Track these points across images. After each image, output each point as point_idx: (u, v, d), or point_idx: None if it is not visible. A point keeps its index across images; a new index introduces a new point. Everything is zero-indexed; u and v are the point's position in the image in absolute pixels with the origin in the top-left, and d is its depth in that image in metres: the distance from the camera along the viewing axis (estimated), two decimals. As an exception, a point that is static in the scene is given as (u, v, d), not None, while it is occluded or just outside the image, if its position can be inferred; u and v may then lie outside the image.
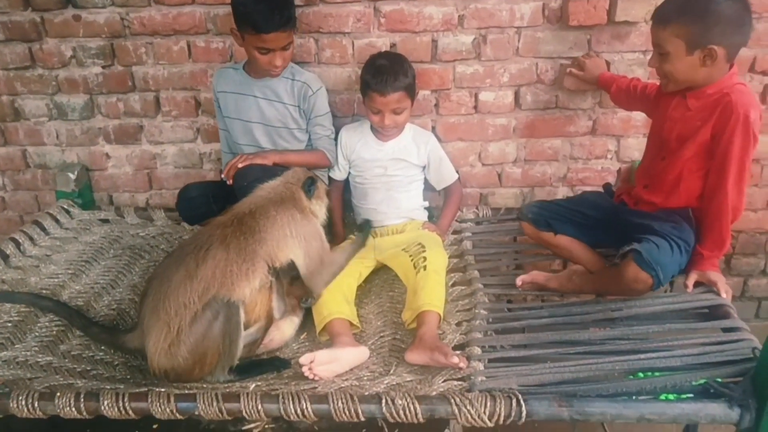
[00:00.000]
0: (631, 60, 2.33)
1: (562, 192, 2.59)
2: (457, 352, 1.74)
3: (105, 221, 2.54)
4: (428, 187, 2.45)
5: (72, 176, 2.55)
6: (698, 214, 1.85)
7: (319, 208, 2.00)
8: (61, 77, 2.49)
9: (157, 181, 2.66)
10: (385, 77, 2.12)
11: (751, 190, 2.54)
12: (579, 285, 2.00)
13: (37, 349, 1.79)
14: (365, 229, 2.24)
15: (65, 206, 2.52)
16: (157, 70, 2.46)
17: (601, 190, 2.24)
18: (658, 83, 1.98)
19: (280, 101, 2.23)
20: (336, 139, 2.36)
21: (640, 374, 1.53)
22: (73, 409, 1.48)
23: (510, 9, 2.30)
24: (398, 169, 2.33)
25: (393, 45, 2.37)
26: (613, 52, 2.34)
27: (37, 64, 2.48)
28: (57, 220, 2.45)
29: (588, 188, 2.55)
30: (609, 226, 2.01)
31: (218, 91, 2.30)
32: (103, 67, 2.47)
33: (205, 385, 1.72)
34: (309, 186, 1.95)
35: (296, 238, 1.84)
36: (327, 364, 1.73)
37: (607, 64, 2.35)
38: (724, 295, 1.78)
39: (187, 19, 2.37)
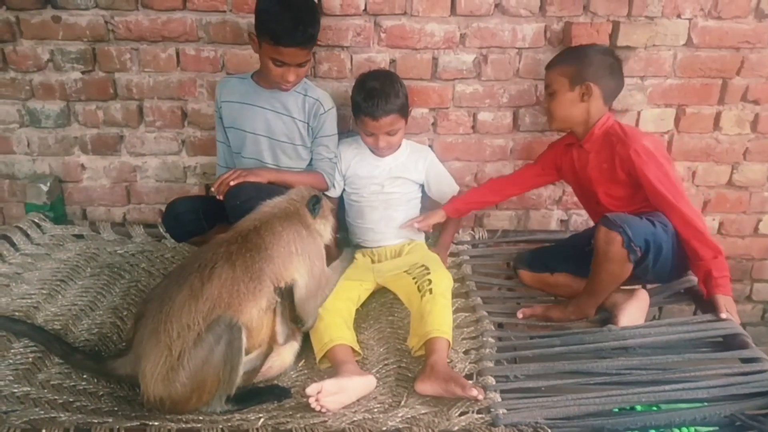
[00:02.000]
0: (630, 85, 2.33)
1: (557, 215, 2.57)
2: (470, 382, 1.68)
3: (79, 237, 2.37)
4: (423, 205, 2.39)
5: (44, 188, 2.37)
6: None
7: (324, 227, 1.91)
8: (36, 82, 2.33)
9: (137, 195, 2.51)
10: (377, 101, 2.07)
11: (739, 217, 2.58)
12: (577, 303, 1.97)
13: (11, 378, 1.62)
14: (350, 244, 2.18)
15: (36, 220, 2.34)
16: (142, 77, 2.33)
17: (592, 224, 2.24)
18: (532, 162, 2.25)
19: (288, 115, 2.14)
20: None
21: (662, 406, 1.49)
22: (61, 449, 1.33)
23: (512, 29, 2.28)
24: (396, 186, 2.27)
25: (393, 61, 2.31)
26: (612, 77, 2.34)
27: (9, 67, 2.31)
28: (27, 235, 2.27)
29: (582, 212, 2.54)
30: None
31: (222, 101, 2.18)
32: (83, 73, 2.32)
33: (201, 417, 1.59)
34: (314, 204, 1.86)
35: (302, 256, 1.75)
36: (334, 395, 1.62)
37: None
38: (723, 316, 1.79)
39: (177, 25, 2.25)
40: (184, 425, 1.52)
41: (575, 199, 2.52)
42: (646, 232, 1.80)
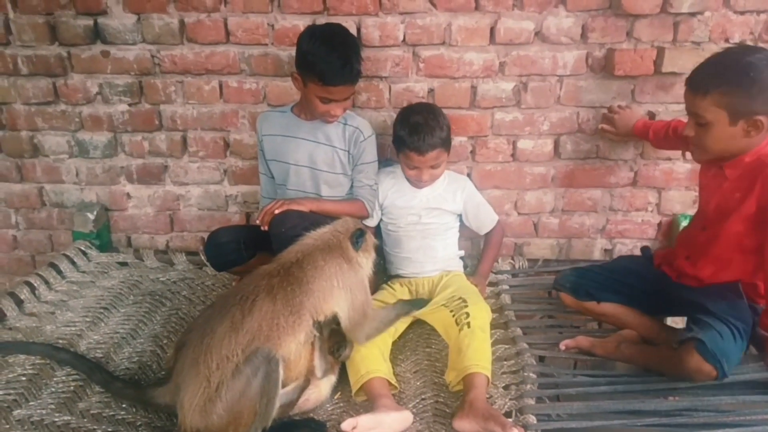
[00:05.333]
0: (676, 111, 2.26)
1: (600, 244, 2.49)
2: (510, 420, 1.62)
3: (123, 264, 2.42)
4: (461, 235, 2.35)
5: (91, 216, 2.44)
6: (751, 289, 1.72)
7: (366, 260, 1.89)
8: (85, 114, 2.41)
9: (179, 223, 2.55)
10: (423, 135, 2.06)
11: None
12: (628, 356, 1.87)
13: (53, 407, 1.66)
14: (420, 304, 2.06)
15: (82, 248, 2.41)
16: (186, 109, 2.38)
17: (638, 253, 2.14)
18: None
19: (329, 144, 2.16)
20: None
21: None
22: (99, 480, 1.34)
23: (553, 57, 2.24)
24: (433, 216, 2.24)
25: (431, 90, 2.31)
26: (657, 103, 2.28)
27: (60, 100, 2.40)
28: (74, 263, 2.33)
29: (628, 241, 2.47)
30: (653, 297, 1.90)
31: (263, 135, 2.21)
32: (130, 105, 2.39)
33: (236, 451, 1.58)
34: (357, 238, 1.84)
35: (343, 290, 1.73)
36: (370, 431, 1.59)
37: (652, 115, 2.29)
38: None
39: (220, 58, 2.30)
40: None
41: (620, 228, 2.47)
42: (737, 356, 1.61)
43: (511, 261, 2.44)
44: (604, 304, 1.95)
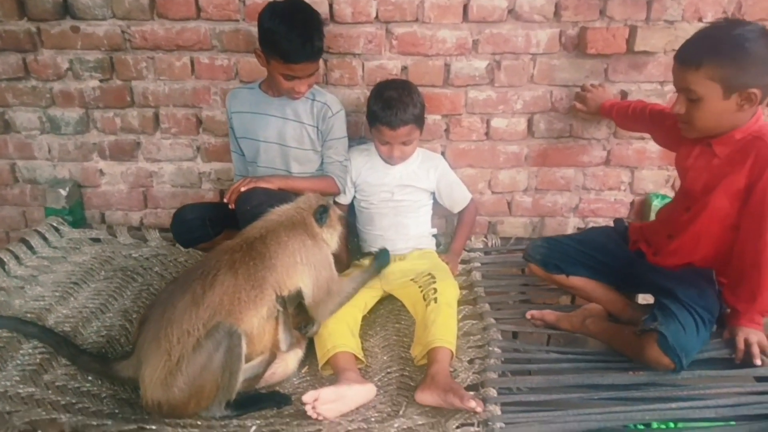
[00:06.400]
0: (649, 90, 2.27)
1: (573, 223, 2.51)
2: (471, 393, 1.64)
3: (96, 240, 2.42)
4: (435, 213, 2.36)
5: (63, 192, 2.43)
6: (726, 270, 1.71)
7: (331, 236, 1.90)
8: (56, 90, 2.39)
9: (153, 200, 2.55)
10: (396, 110, 2.05)
11: None
12: (593, 332, 1.88)
13: (18, 378, 1.65)
14: (382, 257, 2.10)
15: (55, 224, 2.40)
16: (158, 85, 2.37)
17: (610, 224, 2.13)
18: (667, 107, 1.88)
19: (298, 120, 2.15)
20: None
21: (671, 424, 1.43)
22: (55, 450, 1.35)
23: (526, 35, 2.24)
24: (405, 194, 2.25)
25: (404, 68, 2.30)
26: (630, 82, 2.28)
27: (30, 76, 2.37)
28: (45, 239, 2.32)
29: (600, 220, 2.48)
30: (624, 275, 1.91)
31: (233, 112, 2.21)
32: (101, 81, 2.37)
33: (200, 422, 1.59)
34: (321, 213, 1.86)
35: (306, 266, 1.74)
36: (332, 403, 1.61)
37: (624, 94, 2.29)
38: (758, 362, 1.60)
39: (191, 34, 2.28)
40: (181, 429, 1.53)
41: (592, 206, 2.48)
42: (697, 347, 1.60)
43: (484, 239, 2.45)
44: (573, 278, 1.93)
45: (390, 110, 2.07)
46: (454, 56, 2.28)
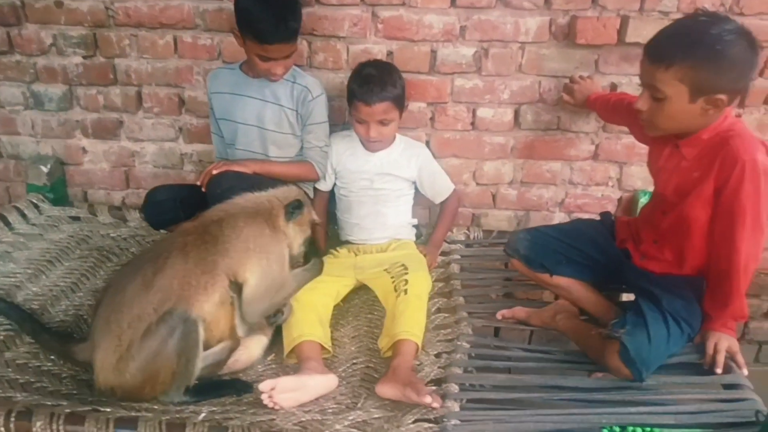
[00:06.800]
0: (640, 84, 2.19)
1: (559, 218, 2.45)
2: (434, 387, 1.61)
3: (76, 219, 2.40)
4: (416, 203, 2.32)
5: (44, 169, 2.42)
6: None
7: (295, 234, 1.80)
8: (40, 65, 2.37)
9: (135, 180, 2.53)
10: (372, 86, 2.00)
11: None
12: (563, 329, 1.85)
13: (-22, 355, 1.66)
14: (313, 268, 1.92)
15: (34, 200, 2.39)
16: (141, 64, 2.34)
17: (597, 217, 2.07)
18: None
19: (277, 103, 2.11)
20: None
21: (629, 428, 1.39)
22: (1, 428, 1.34)
23: (515, 23, 2.17)
24: (385, 182, 2.20)
25: (390, 53, 2.25)
26: (621, 74, 2.21)
27: (15, 50, 2.35)
28: (24, 215, 2.31)
29: (586, 216, 2.41)
30: (611, 272, 1.84)
31: (212, 93, 2.17)
32: (84, 58, 2.34)
33: (156, 406, 1.58)
34: (294, 208, 1.77)
35: (259, 255, 1.67)
36: (290, 392, 1.59)
37: (614, 86, 2.22)
38: (718, 371, 1.55)
39: (175, 12, 2.24)
40: (135, 413, 1.52)
41: (579, 202, 2.43)
42: (662, 359, 1.56)
43: (466, 231, 2.40)
44: (557, 277, 1.84)
45: (367, 86, 2.02)
46: (441, 42, 2.22)
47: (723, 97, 1.47)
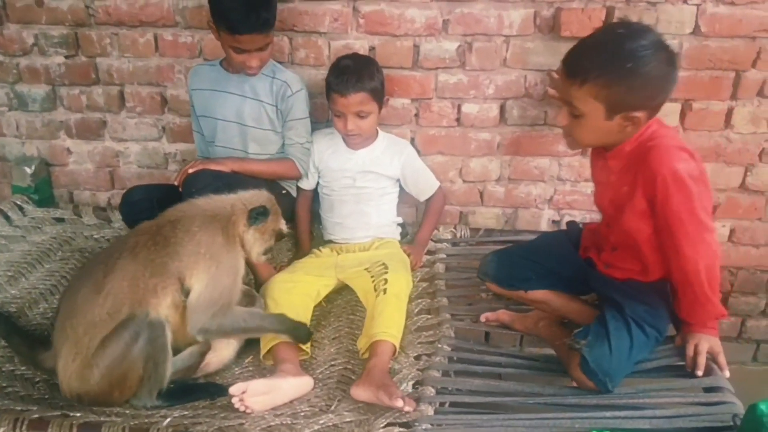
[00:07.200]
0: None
1: (548, 215, 2.40)
2: (411, 390, 1.58)
3: (60, 220, 2.39)
4: (403, 201, 2.28)
5: (28, 170, 2.41)
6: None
7: (254, 241, 1.70)
8: (23, 65, 2.36)
9: (120, 181, 2.51)
10: (347, 77, 1.97)
11: (753, 224, 2.35)
12: (543, 335, 1.81)
13: (-49, 359, 1.65)
14: (301, 335, 1.77)
15: (19, 202, 2.38)
16: (122, 62, 2.32)
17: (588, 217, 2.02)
18: None
19: (256, 99, 2.08)
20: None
21: (605, 433, 1.35)
22: (-36, 435, 1.33)
23: (498, 16, 2.12)
24: (368, 180, 2.17)
25: (372, 48, 2.21)
26: (608, 68, 2.16)
27: (-3, 51, 2.35)
28: (7, 217, 2.30)
29: (576, 213, 2.38)
30: (578, 282, 1.77)
31: (193, 89, 2.15)
32: (66, 57, 2.33)
33: (127, 411, 1.57)
34: (256, 215, 1.67)
35: (208, 261, 1.58)
36: (262, 395, 1.56)
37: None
38: (699, 373, 1.50)
39: (155, 9, 2.22)
40: (105, 417, 1.50)
41: (568, 198, 2.38)
42: (629, 367, 1.52)
43: (453, 230, 2.36)
44: (532, 293, 1.78)
45: (342, 77, 1.99)
46: (424, 37, 2.18)
47: (640, 114, 1.43)
